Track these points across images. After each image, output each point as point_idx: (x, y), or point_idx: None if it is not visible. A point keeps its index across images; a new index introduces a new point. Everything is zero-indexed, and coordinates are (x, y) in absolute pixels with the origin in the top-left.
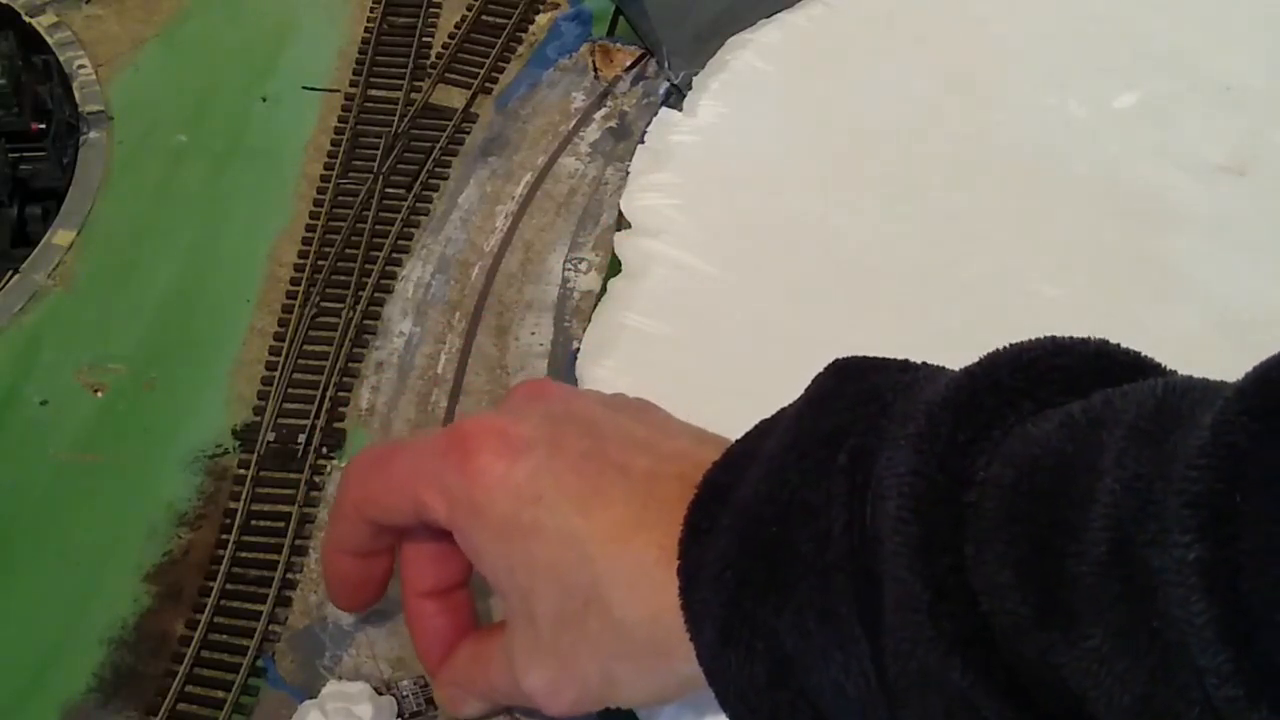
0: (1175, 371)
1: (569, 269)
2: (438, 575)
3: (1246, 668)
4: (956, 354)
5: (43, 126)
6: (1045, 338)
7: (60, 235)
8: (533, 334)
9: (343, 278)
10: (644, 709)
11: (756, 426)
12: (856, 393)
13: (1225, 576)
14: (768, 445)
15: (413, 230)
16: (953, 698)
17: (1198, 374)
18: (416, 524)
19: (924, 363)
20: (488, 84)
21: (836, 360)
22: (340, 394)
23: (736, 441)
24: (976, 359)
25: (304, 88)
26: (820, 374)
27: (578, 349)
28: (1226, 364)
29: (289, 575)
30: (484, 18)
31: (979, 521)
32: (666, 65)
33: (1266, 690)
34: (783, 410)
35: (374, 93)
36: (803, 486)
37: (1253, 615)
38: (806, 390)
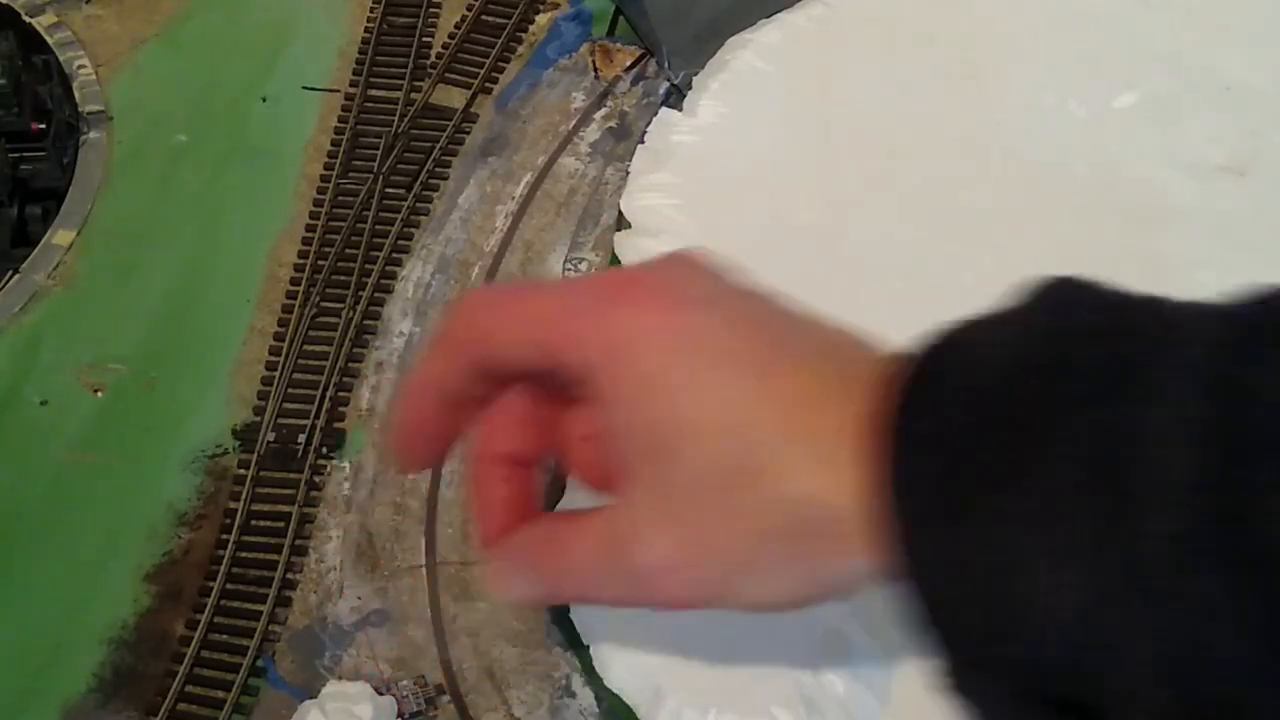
0: None
1: (569, 269)
2: (520, 441)
3: None
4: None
5: (43, 126)
6: None
7: (60, 235)
8: None
9: (343, 278)
10: (766, 610)
11: (963, 324)
12: (1105, 295)
13: None
14: (1004, 333)
15: (413, 230)
16: (1195, 616)
17: None
18: (533, 370)
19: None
20: (488, 84)
21: (1058, 278)
22: (340, 394)
23: (942, 331)
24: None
25: (304, 88)
26: (1041, 285)
27: None
28: None
29: (289, 575)
30: (484, 18)
31: (1269, 439)
32: (666, 65)
33: None
34: (1002, 310)
35: (374, 93)
36: (1056, 376)
37: None
38: (1028, 291)
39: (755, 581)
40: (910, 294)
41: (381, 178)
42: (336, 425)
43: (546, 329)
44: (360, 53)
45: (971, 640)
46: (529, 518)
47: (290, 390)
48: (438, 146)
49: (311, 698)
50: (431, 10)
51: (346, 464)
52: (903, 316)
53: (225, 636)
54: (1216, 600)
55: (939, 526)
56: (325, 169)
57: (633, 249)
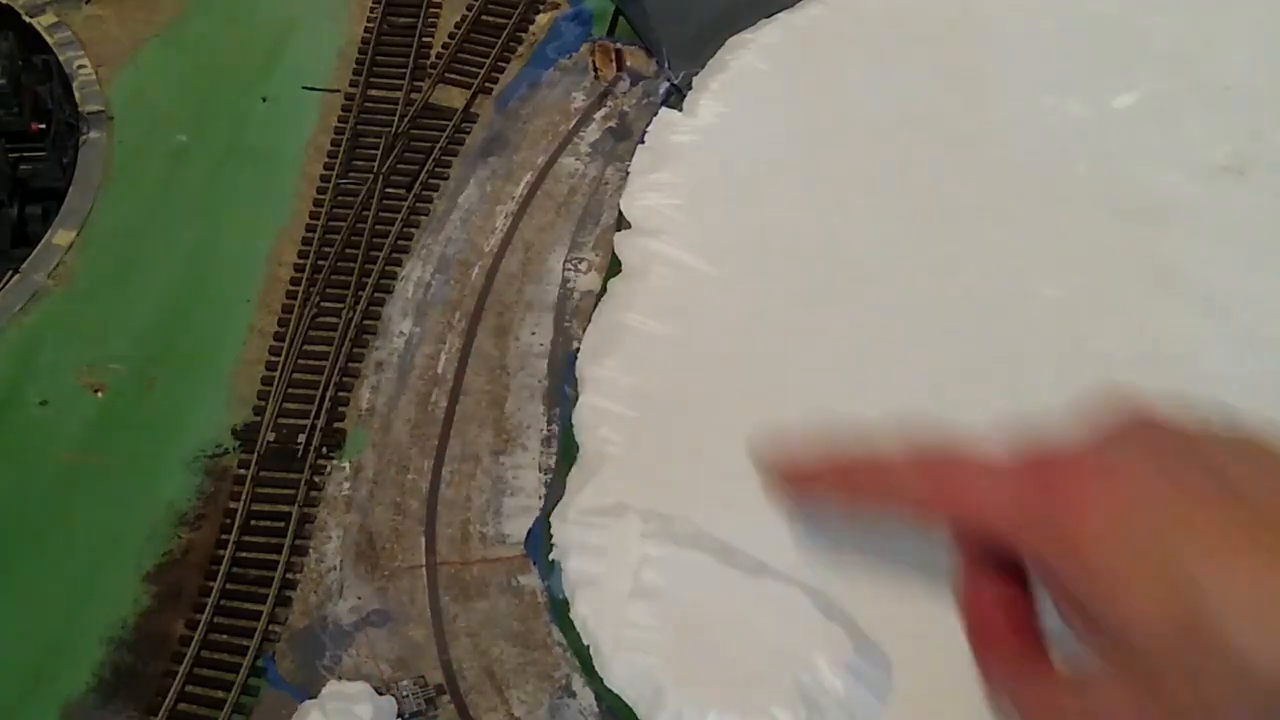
0: None
1: (569, 269)
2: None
3: None
4: (956, 352)
5: (43, 126)
6: None
7: (60, 235)
8: (533, 334)
9: (343, 278)
10: None
11: None
12: None
13: None
14: None
15: (413, 230)
16: None
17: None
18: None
19: None
20: (488, 84)
21: None
22: (340, 394)
23: None
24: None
25: (304, 88)
26: None
27: (578, 349)
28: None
29: (289, 575)
30: (484, 18)
31: None
32: (666, 65)
33: None
34: None
35: (374, 93)
36: None
37: None
38: None
39: None
40: (911, 292)
41: (381, 178)
42: (336, 425)
43: (967, 515)
44: (360, 53)
45: None
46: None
47: (290, 390)
48: (438, 146)
49: (311, 698)
50: (431, 10)
51: (346, 464)
52: (904, 314)
53: (225, 636)
54: None
55: None
56: (325, 169)
57: (633, 249)
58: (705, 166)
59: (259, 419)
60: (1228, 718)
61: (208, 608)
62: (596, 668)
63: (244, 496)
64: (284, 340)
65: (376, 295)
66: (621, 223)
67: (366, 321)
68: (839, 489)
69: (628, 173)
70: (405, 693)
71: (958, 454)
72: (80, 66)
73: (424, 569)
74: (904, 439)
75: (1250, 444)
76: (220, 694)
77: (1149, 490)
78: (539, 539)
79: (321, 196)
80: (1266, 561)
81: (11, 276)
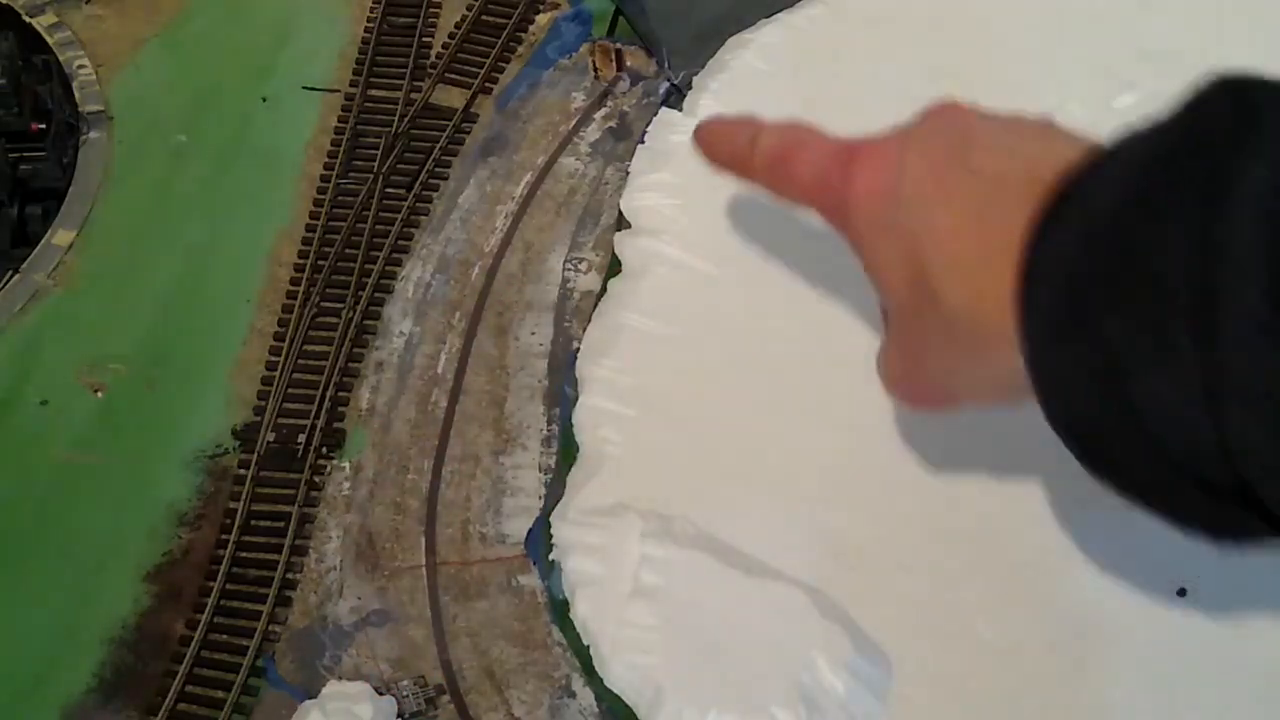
0: None
1: (569, 269)
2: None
3: None
4: None
5: (43, 126)
6: None
7: (60, 235)
8: (533, 334)
9: (343, 278)
10: (986, 406)
11: (1126, 132)
12: (1229, 107)
13: None
14: (1132, 152)
15: (413, 230)
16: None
17: None
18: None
19: None
20: (488, 84)
21: (1224, 77)
22: (340, 394)
23: (1100, 146)
24: None
25: (304, 88)
26: (1201, 87)
27: (578, 349)
28: None
29: (289, 575)
30: (484, 18)
31: None
32: (666, 65)
33: None
34: (1156, 120)
35: (374, 93)
36: (1157, 195)
37: None
38: (1182, 101)
39: (961, 386)
40: None
41: (381, 178)
42: (336, 425)
43: (802, 193)
44: (360, 53)
45: (1092, 438)
46: None
47: (290, 390)
48: (438, 146)
49: (311, 698)
50: (431, 10)
51: (346, 464)
52: None
53: (225, 636)
54: None
55: (1047, 341)
56: (325, 169)
57: (633, 249)
58: (705, 166)
59: (259, 419)
60: (949, 361)
61: (208, 608)
62: (596, 668)
63: (244, 496)
64: (284, 340)
65: (376, 295)
66: (621, 223)
67: (366, 321)
68: (732, 170)
69: (628, 173)
70: (405, 693)
71: (806, 140)
72: (80, 66)
73: (424, 569)
74: (776, 127)
75: (1030, 124)
76: (220, 694)
77: (901, 164)
78: (539, 539)
79: (321, 196)
80: (968, 226)
81: (11, 276)
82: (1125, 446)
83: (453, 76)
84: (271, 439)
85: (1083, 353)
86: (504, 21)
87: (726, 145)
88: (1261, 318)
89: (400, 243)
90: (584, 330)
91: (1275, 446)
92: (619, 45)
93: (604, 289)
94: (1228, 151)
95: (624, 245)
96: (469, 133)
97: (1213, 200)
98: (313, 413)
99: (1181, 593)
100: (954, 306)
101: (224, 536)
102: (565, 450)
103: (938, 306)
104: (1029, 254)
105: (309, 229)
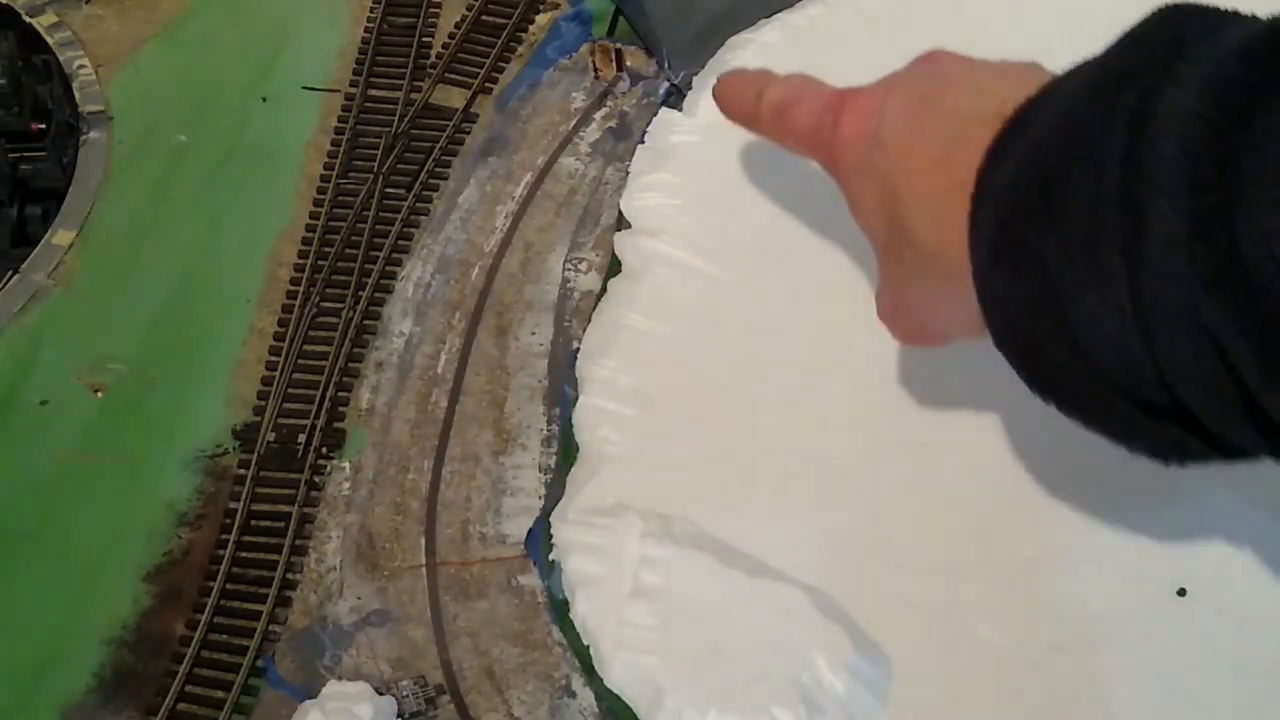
0: None
1: (569, 269)
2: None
3: None
4: (954, 352)
5: (43, 126)
6: None
7: (60, 235)
8: (533, 334)
9: (343, 278)
10: (964, 340)
11: (1076, 63)
12: (1162, 35)
13: None
14: (1073, 80)
15: (413, 230)
16: (1202, 337)
17: None
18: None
19: (1239, 12)
20: (488, 84)
21: (1164, 6)
22: (340, 394)
23: (1052, 78)
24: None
25: (304, 88)
26: (1145, 16)
27: (578, 349)
28: None
29: (289, 575)
30: (484, 18)
31: (1258, 165)
32: (666, 65)
33: None
34: (1103, 49)
35: (374, 93)
36: (1088, 120)
37: None
38: (1126, 30)
39: (939, 319)
40: None
41: (381, 178)
42: (336, 425)
43: (799, 141)
44: (360, 53)
45: (1035, 360)
46: None
47: (290, 390)
48: (438, 146)
49: (311, 698)
50: (431, 10)
51: (346, 464)
52: None
53: (225, 636)
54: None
55: (988, 265)
56: (325, 169)
57: (633, 249)
58: (705, 166)
59: (259, 419)
60: (927, 297)
61: (208, 608)
62: (596, 668)
63: (244, 496)
64: (284, 340)
65: (376, 295)
66: (621, 223)
67: (366, 321)
68: (742, 123)
69: (628, 173)
70: (405, 693)
71: (805, 91)
72: (80, 66)
73: (424, 569)
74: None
75: (1012, 66)
76: (220, 694)
77: (882, 108)
78: (539, 539)
79: (321, 196)
80: (936, 164)
81: (11, 276)
82: (1066, 367)
83: (453, 76)
84: (271, 439)
85: (1022, 275)
86: (504, 21)
87: (737, 100)
88: (1182, 239)
89: (400, 243)
90: (584, 330)
91: (1202, 365)
92: (619, 45)
93: (604, 289)
94: (1156, 78)
95: (624, 245)
96: (469, 133)
97: (1139, 127)
98: (313, 413)
99: (1181, 593)
100: (924, 242)
101: (224, 536)
102: (565, 450)
103: (912, 244)
104: (978, 182)
105: (309, 229)
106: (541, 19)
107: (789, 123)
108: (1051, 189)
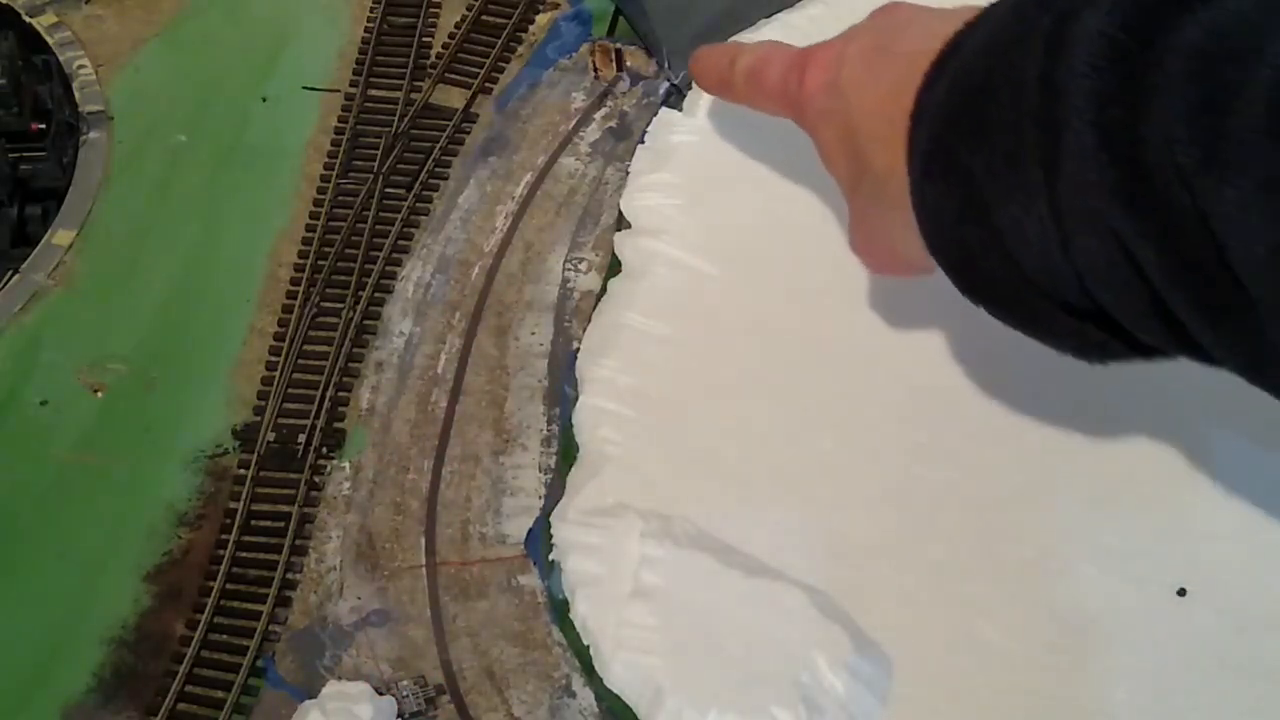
0: None
1: (569, 269)
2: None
3: None
4: (954, 351)
5: (43, 126)
6: None
7: (60, 235)
8: (533, 334)
9: (343, 278)
10: (929, 269)
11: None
12: None
13: None
14: (999, 8)
15: (413, 230)
16: (1110, 240)
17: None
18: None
19: None
20: (488, 84)
21: None
22: (340, 394)
23: (987, 8)
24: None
25: (304, 88)
26: None
27: (578, 349)
28: None
29: (289, 575)
30: (484, 18)
31: (1160, 78)
32: (666, 65)
33: None
34: None
35: (374, 93)
36: (1012, 43)
37: None
38: None
39: (901, 245)
40: (909, 294)
41: (381, 178)
42: (336, 425)
43: (771, 101)
44: (360, 53)
45: (966, 267)
46: None
47: (290, 390)
48: (438, 146)
49: (311, 698)
50: (431, 10)
51: (346, 464)
52: (905, 312)
53: (225, 636)
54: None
55: (921, 178)
56: (325, 169)
57: (633, 249)
58: (705, 166)
59: (259, 419)
60: (888, 224)
61: (208, 608)
62: (596, 668)
63: (244, 496)
64: (284, 340)
65: (376, 295)
66: (621, 223)
67: (366, 321)
68: (720, 93)
69: (628, 173)
70: (405, 693)
71: (773, 54)
72: (80, 66)
73: (424, 569)
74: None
75: (964, 11)
76: (220, 694)
77: (840, 58)
78: (539, 539)
79: (321, 196)
80: (888, 100)
81: (11, 276)
82: (996, 273)
83: (453, 76)
84: (271, 439)
85: (952, 186)
86: (504, 21)
87: (713, 71)
88: (1091, 150)
89: (400, 243)
90: (584, 330)
91: (1113, 267)
92: (619, 45)
93: (604, 289)
94: (1072, 3)
95: (624, 245)
96: (469, 133)
97: (1055, 49)
98: (313, 413)
99: (1181, 593)
100: (880, 169)
101: (224, 536)
102: (565, 450)
103: (871, 173)
104: (916, 102)
105: (309, 229)
106: (541, 19)
107: (760, 85)
108: (978, 107)
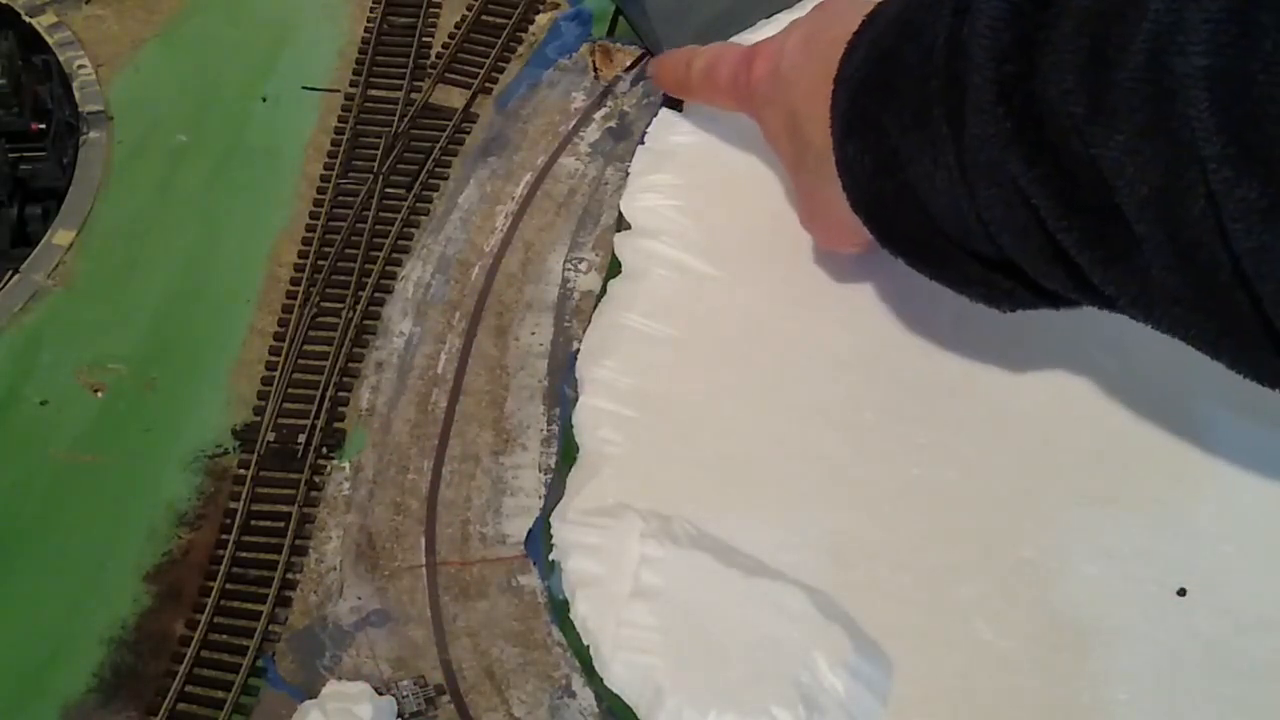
0: None
1: (569, 269)
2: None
3: (1234, 154)
4: (953, 350)
5: (43, 126)
6: None
7: (60, 235)
8: (533, 334)
9: (343, 278)
10: (871, 246)
11: None
12: None
13: (1234, 83)
14: None
15: (413, 230)
16: (1010, 188)
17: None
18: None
19: None
20: (488, 84)
21: None
22: (340, 394)
23: None
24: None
25: (304, 88)
26: None
27: (578, 349)
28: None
29: (289, 575)
30: (484, 18)
31: (1053, 36)
32: None
33: (1254, 170)
34: None
35: (374, 93)
36: (920, 8)
37: (1254, 115)
38: None
39: (847, 216)
40: (909, 294)
41: (381, 178)
42: (336, 425)
43: (723, 96)
44: (360, 53)
45: (883, 219)
46: None
47: (290, 390)
48: (438, 146)
49: (311, 698)
50: (431, 10)
51: (346, 464)
52: (902, 315)
53: (225, 636)
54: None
55: (842, 138)
56: (325, 169)
57: (633, 249)
58: (705, 167)
59: (259, 419)
60: (830, 196)
61: (208, 608)
62: (596, 668)
63: (244, 496)
64: (284, 340)
65: (376, 295)
66: (621, 223)
67: (366, 321)
68: (678, 92)
69: (628, 173)
70: (405, 693)
71: (725, 53)
72: (80, 66)
73: (424, 569)
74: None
75: None
76: (220, 694)
77: (782, 49)
78: (539, 539)
79: (321, 196)
80: (823, 80)
81: (11, 276)
82: (910, 223)
83: (453, 76)
84: (271, 439)
85: (869, 143)
86: (504, 21)
87: (671, 74)
88: (989, 104)
89: (400, 243)
90: (584, 330)
91: (1013, 214)
92: (619, 45)
93: (604, 289)
94: None
95: (624, 246)
96: (469, 133)
97: (961, 12)
98: (313, 413)
99: (1181, 593)
100: (819, 147)
101: (224, 536)
102: (565, 450)
103: (810, 148)
104: (838, 69)
105: (309, 229)
106: (541, 19)
107: (714, 82)
108: (891, 68)
